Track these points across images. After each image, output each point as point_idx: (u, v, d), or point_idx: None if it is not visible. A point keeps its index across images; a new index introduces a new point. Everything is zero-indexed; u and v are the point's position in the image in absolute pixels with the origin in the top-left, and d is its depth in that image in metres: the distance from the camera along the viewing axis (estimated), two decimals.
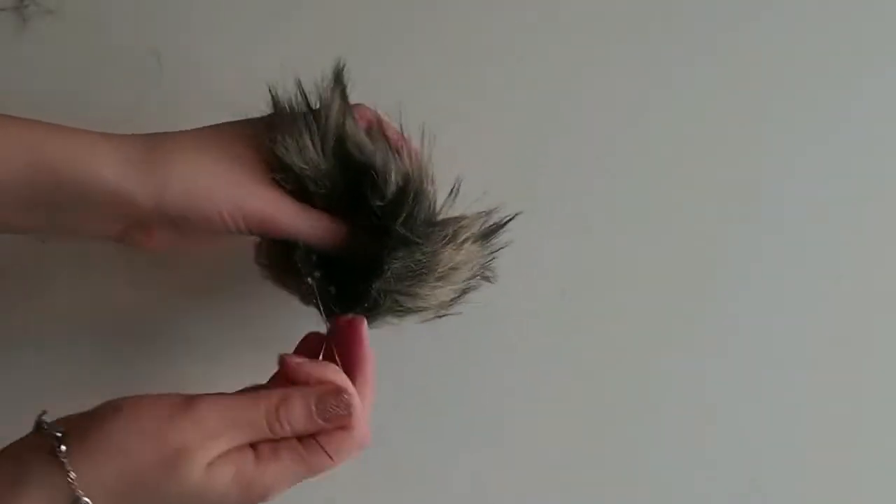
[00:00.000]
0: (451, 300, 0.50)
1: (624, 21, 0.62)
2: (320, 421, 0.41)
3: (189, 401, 0.40)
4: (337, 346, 0.46)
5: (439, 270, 0.48)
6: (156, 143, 0.45)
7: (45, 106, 0.59)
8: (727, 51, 0.62)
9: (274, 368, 0.46)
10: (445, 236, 0.48)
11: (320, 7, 0.62)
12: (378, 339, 0.52)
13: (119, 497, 0.39)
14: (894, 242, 0.60)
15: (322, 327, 0.48)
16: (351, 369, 0.45)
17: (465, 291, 0.51)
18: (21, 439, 0.41)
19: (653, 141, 0.61)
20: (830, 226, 0.60)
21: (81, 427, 0.40)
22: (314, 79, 0.50)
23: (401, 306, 0.49)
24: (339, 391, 0.42)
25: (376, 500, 0.55)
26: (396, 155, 0.48)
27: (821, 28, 0.63)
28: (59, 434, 0.39)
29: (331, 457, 0.42)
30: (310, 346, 0.48)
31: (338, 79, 0.49)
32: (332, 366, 0.44)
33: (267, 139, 0.47)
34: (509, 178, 0.59)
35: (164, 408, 0.40)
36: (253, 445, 0.41)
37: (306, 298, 0.50)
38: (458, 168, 0.58)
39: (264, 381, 0.46)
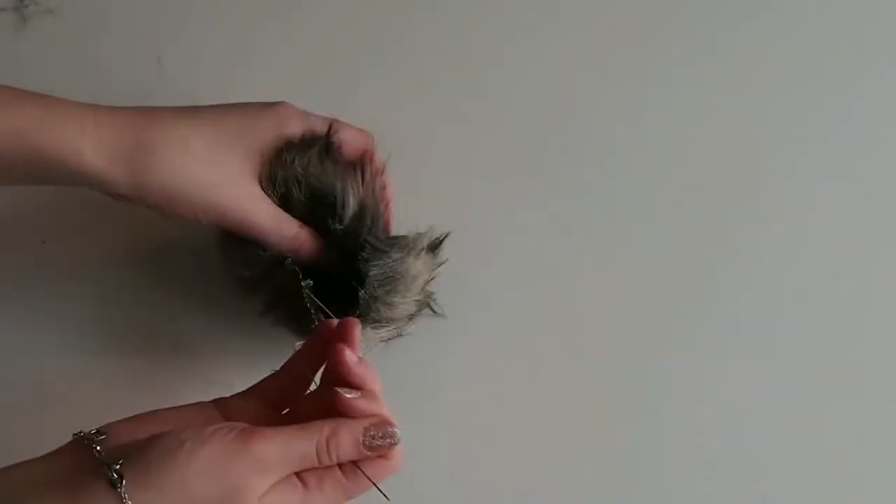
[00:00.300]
0: (411, 315, 0.53)
1: (624, 21, 0.62)
2: (366, 452, 0.43)
3: (247, 436, 0.41)
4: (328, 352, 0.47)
5: (407, 278, 0.52)
6: (144, 138, 0.47)
7: None
8: (727, 51, 0.62)
9: (275, 360, 0.47)
10: (406, 246, 0.52)
11: (320, 7, 0.62)
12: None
13: None
14: (894, 242, 0.60)
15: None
16: (351, 378, 0.45)
17: (420, 306, 0.54)
18: (67, 461, 0.40)
19: (652, 140, 0.61)
20: (830, 226, 0.60)
21: (142, 460, 0.39)
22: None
23: (379, 316, 0.51)
24: (385, 424, 0.44)
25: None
26: (356, 183, 0.51)
27: (821, 28, 0.63)
28: (117, 466, 0.39)
29: (372, 483, 0.43)
30: (311, 351, 0.48)
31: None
32: (378, 397, 0.45)
33: (275, 155, 0.50)
34: (509, 178, 0.60)
35: (225, 443, 0.40)
36: (299, 474, 0.42)
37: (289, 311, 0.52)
38: (457, 168, 0.58)
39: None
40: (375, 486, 0.43)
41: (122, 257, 0.58)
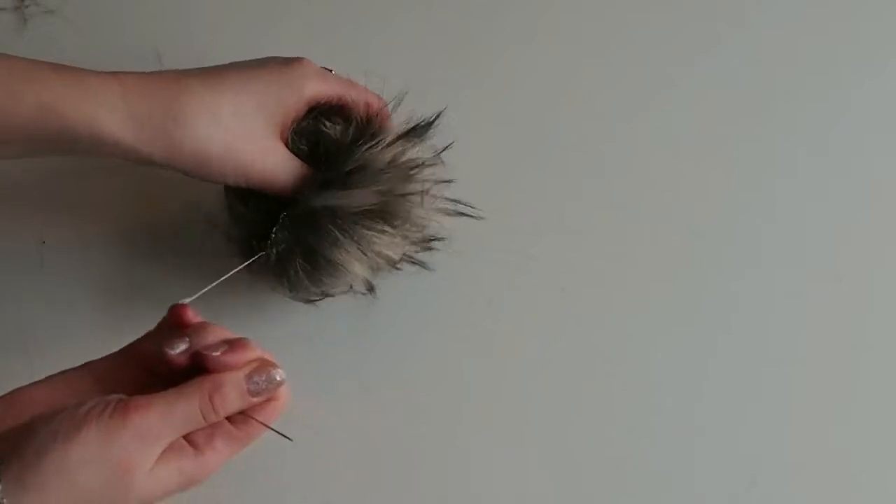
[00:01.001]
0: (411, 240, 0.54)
1: (623, 21, 0.62)
2: (252, 399, 0.43)
3: (124, 410, 0.39)
4: None
5: (378, 168, 0.51)
6: (173, 110, 0.48)
7: None
8: (727, 51, 0.62)
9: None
10: (366, 143, 0.52)
11: (320, 6, 0.62)
12: (375, 328, 0.53)
13: None
14: (894, 242, 0.60)
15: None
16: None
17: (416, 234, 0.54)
18: None
19: (652, 140, 0.61)
20: (830, 226, 0.60)
21: (18, 459, 0.37)
22: None
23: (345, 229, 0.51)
24: (265, 367, 0.43)
25: (375, 499, 0.55)
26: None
27: (821, 28, 0.63)
28: None
29: (269, 428, 0.43)
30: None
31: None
32: (250, 343, 0.44)
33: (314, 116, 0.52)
34: (509, 177, 0.60)
35: (102, 422, 0.38)
36: (187, 436, 0.41)
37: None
38: (456, 167, 0.58)
39: None
40: (274, 430, 0.43)
41: (123, 257, 0.58)
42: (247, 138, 0.49)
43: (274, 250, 0.51)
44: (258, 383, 0.43)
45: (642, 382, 0.56)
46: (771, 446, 0.56)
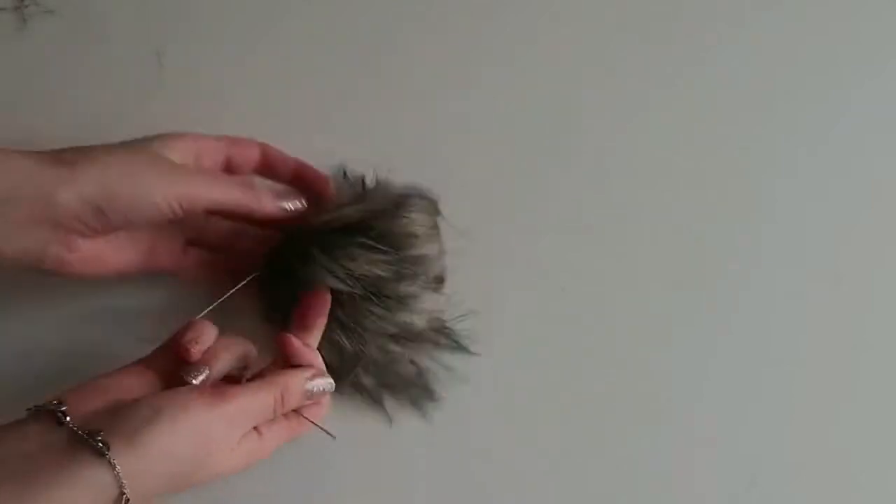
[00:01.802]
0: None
1: (623, 21, 0.62)
2: (306, 400, 0.49)
3: (217, 397, 0.44)
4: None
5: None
6: (63, 150, 0.47)
7: (46, 106, 0.59)
8: (727, 51, 0.62)
9: None
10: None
11: (320, 7, 0.62)
12: None
13: (153, 486, 0.42)
14: (894, 242, 0.60)
15: None
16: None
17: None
18: (33, 433, 0.41)
19: (653, 140, 0.61)
20: (830, 226, 0.60)
21: (124, 428, 0.41)
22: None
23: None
24: (323, 374, 0.49)
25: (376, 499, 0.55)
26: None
27: (821, 28, 0.63)
28: (99, 437, 0.41)
29: (313, 423, 0.50)
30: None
31: None
32: (315, 349, 0.50)
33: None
34: (509, 177, 0.60)
35: (203, 406, 0.44)
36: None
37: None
38: (456, 168, 0.58)
39: None
40: (320, 427, 0.50)
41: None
42: (160, 165, 0.49)
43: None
44: (315, 388, 0.49)
45: (642, 382, 0.56)
46: (771, 446, 0.56)
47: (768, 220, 0.60)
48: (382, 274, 0.52)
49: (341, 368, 0.53)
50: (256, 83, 0.60)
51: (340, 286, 0.51)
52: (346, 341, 0.52)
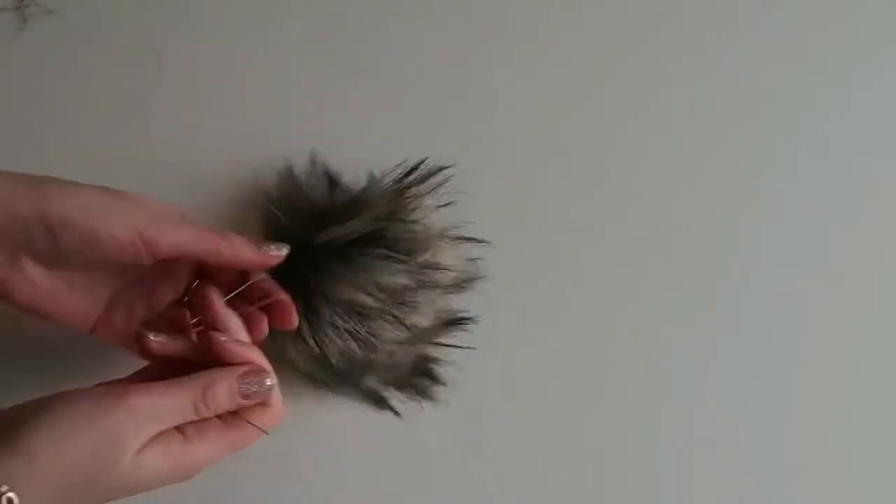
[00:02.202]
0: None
1: (622, 21, 0.62)
2: (241, 400, 0.44)
3: (122, 390, 0.41)
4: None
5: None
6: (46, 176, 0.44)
7: (46, 106, 0.59)
8: (727, 51, 0.62)
9: None
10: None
11: (320, 7, 0.62)
12: None
13: (54, 493, 0.39)
14: (894, 242, 0.60)
15: None
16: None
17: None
18: None
19: (652, 140, 0.61)
20: (831, 226, 0.60)
21: (11, 429, 0.39)
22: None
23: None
24: (258, 371, 0.45)
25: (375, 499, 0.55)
26: None
27: (821, 28, 0.63)
28: None
29: (260, 429, 0.45)
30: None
31: None
32: (256, 349, 0.46)
33: None
34: (508, 177, 0.59)
35: (96, 397, 0.40)
36: (178, 427, 0.43)
37: None
38: (455, 168, 0.58)
39: None
40: (260, 429, 0.45)
41: None
42: (128, 204, 0.44)
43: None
44: (249, 385, 0.44)
45: (642, 382, 0.56)
46: (771, 446, 0.56)
47: (768, 220, 0.60)
48: (406, 283, 0.51)
49: (351, 374, 0.52)
50: (256, 83, 0.60)
51: (369, 301, 0.50)
52: (358, 350, 0.51)
